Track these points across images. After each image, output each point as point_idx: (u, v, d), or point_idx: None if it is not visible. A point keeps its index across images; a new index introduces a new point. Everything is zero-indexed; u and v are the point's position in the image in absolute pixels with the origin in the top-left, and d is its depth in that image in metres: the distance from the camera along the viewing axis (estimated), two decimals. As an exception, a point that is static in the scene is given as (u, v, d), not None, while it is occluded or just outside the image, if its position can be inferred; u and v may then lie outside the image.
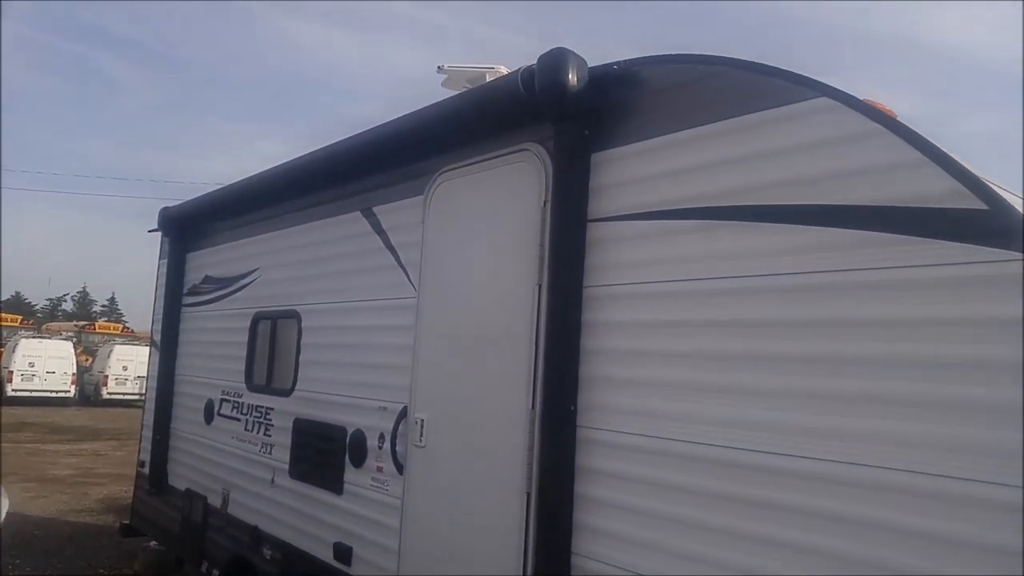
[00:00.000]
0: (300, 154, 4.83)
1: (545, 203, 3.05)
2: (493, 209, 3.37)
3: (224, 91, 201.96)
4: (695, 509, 2.43)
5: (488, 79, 3.74)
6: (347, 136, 4.36)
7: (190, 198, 6.46)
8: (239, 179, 5.61)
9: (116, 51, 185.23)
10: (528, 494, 2.96)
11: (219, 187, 5.97)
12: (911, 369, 1.97)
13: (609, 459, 2.74)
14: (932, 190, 1.97)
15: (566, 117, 2.93)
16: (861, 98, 2.14)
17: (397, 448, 3.75)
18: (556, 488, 2.84)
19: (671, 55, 2.72)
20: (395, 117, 3.96)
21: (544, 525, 2.84)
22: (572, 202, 2.91)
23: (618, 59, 2.89)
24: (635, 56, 2.87)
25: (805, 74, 2.24)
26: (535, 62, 2.98)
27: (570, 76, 2.87)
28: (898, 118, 2.08)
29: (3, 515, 4.16)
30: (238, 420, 5.32)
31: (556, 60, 2.91)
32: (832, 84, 2.18)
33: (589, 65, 2.93)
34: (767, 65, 2.38)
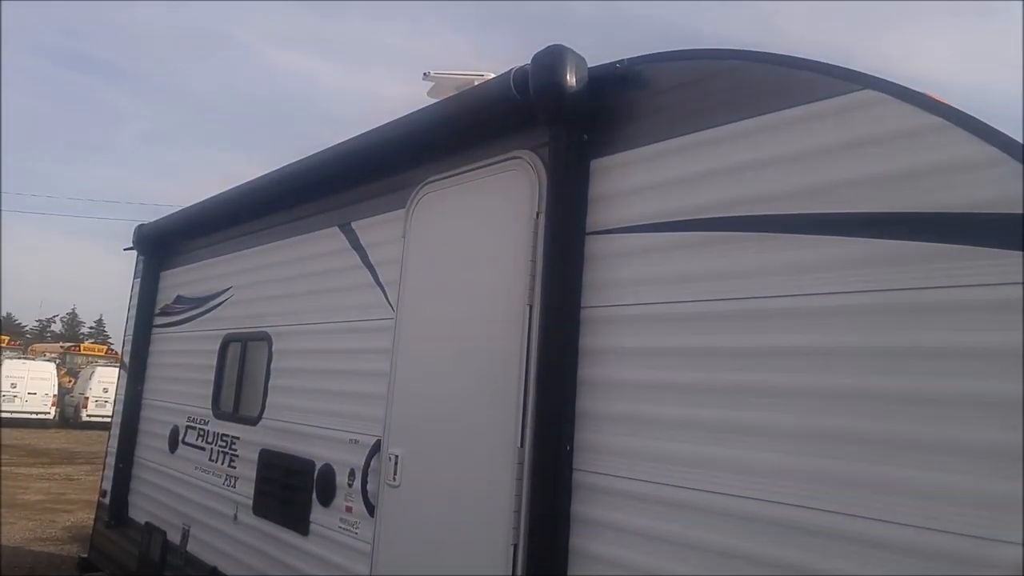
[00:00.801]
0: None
1: (538, 215, 2.73)
2: (480, 222, 3.05)
3: (217, 120, 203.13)
4: (710, 571, 2.08)
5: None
6: (325, 147, 4.06)
7: (165, 215, 6.15)
8: (214, 194, 5.30)
9: (113, 79, 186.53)
10: (515, 546, 2.60)
11: (193, 204, 5.65)
12: (1007, 413, 1.60)
13: (609, 508, 2.39)
14: (1014, 193, 1.64)
15: (563, 121, 2.63)
16: (914, 89, 1.83)
17: (368, 486, 3.39)
18: (547, 540, 2.48)
19: (679, 51, 2.43)
20: (375, 126, 3.67)
21: (531, 583, 2.47)
22: (568, 213, 2.59)
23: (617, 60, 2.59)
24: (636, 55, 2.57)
25: (842, 65, 1.93)
26: (528, 62, 2.69)
27: (568, 76, 2.57)
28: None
29: None
30: (203, 449, 4.94)
31: (552, 59, 2.61)
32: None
33: (588, 64, 2.63)
34: (794, 57, 2.08)
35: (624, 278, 2.46)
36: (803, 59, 2.05)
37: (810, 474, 1.91)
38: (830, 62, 1.98)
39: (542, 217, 2.71)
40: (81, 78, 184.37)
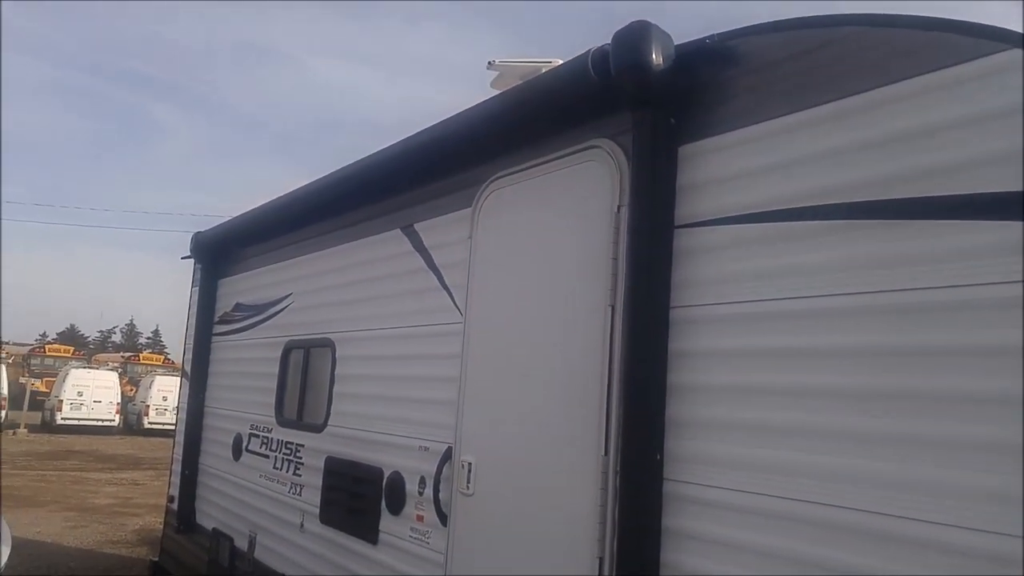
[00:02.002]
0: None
1: (619, 208, 2.55)
2: (554, 219, 2.89)
3: (263, 131, 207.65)
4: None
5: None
6: (385, 146, 3.95)
7: (222, 222, 6.15)
8: (270, 199, 5.25)
9: (161, 96, 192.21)
10: (600, 559, 2.43)
11: (249, 209, 5.62)
12: None
13: (704, 520, 2.21)
14: None
15: (648, 104, 2.44)
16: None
17: (440, 495, 3.26)
18: (637, 554, 2.31)
19: (777, 22, 2.22)
20: (436, 121, 3.53)
21: (623, 601, 2.30)
22: (655, 205, 2.41)
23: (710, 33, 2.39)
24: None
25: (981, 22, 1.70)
26: (608, 41, 2.50)
27: (653, 54, 2.38)
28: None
29: (3, 560, 3.75)
30: (267, 457, 4.89)
31: (636, 36, 2.42)
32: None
33: (675, 41, 2.44)
34: (920, 17, 1.85)
35: (719, 274, 2.26)
36: (932, 18, 1.81)
37: (933, 486, 1.71)
38: (966, 20, 1.75)
39: (624, 211, 2.53)
40: (129, 94, 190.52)
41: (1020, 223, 1.64)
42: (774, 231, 2.13)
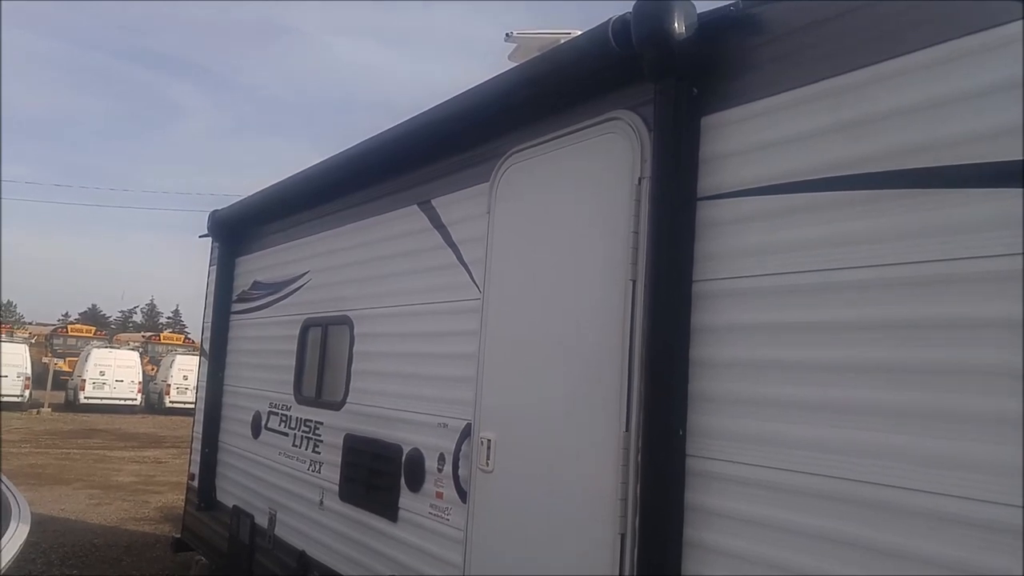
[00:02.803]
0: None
1: (640, 181, 2.51)
2: (573, 192, 2.84)
3: (281, 111, 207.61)
4: (839, 564, 1.88)
5: (563, 45, 3.21)
6: (401, 121, 3.91)
7: (238, 199, 6.14)
8: (287, 176, 5.23)
9: (179, 75, 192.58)
10: (623, 535, 2.41)
11: (267, 186, 5.60)
12: None
13: (728, 497, 2.18)
14: None
15: (671, 74, 2.38)
16: None
17: (460, 472, 3.25)
18: (660, 530, 2.29)
19: (806, -12, 2.14)
20: (453, 95, 3.49)
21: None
22: (677, 177, 2.36)
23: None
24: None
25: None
26: (629, 10, 2.44)
27: (676, 23, 2.32)
28: None
29: (23, 538, 3.74)
30: (286, 435, 4.91)
31: (658, 5, 2.36)
32: None
33: (698, 9, 2.38)
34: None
35: (743, 247, 2.22)
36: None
37: (960, 460, 1.68)
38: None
39: (646, 183, 2.49)
40: (146, 73, 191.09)
41: None
42: (799, 202, 2.08)
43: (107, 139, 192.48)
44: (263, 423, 5.29)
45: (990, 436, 1.64)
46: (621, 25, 2.46)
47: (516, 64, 3.33)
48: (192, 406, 7.01)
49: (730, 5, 2.32)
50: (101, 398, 25.17)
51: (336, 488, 4.18)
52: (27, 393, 24.24)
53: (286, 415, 4.97)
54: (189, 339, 37.24)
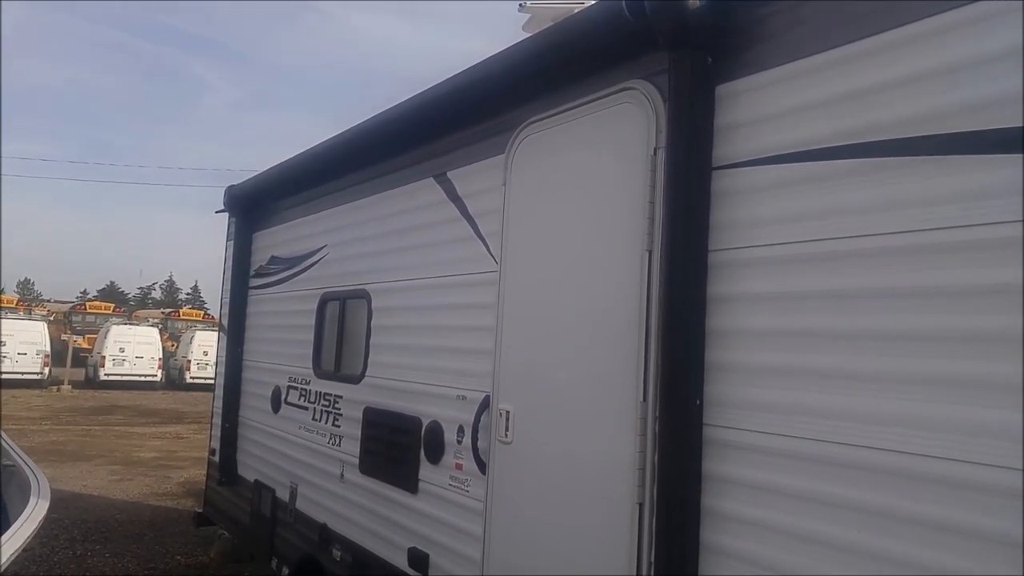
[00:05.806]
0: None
1: (656, 151, 2.50)
2: (589, 163, 2.84)
3: (302, 86, 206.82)
4: (856, 530, 1.89)
5: (577, 15, 3.18)
6: (415, 93, 3.90)
7: (255, 174, 6.16)
8: (303, 150, 5.24)
9: (198, 52, 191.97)
10: (640, 505, 2.44)
11: (283, 161, 5.62)
12: None
13: (745, 466, 2.20)
14: None
15: (685, 43, 2.36)
16: None
17: (479, 443, 3.29)
18: (678, 499, 2.31)
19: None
20: (467, 67, 3.47)
21: (664, 544, 2.31)
22: (692, 146, 2.34)
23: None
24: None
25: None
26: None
27: (690, -9, 2.29)
28: None
29: (42, 514, 3.78)
30: (305, 409, 4.98)
31: (672, -28, 2.33)
32: None
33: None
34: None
35: (759, 216, 2.21)
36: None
37: (977, 427, 1.68)
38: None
39: (661, 153, 2.47)
40: (167, 50, 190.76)
41: None
42: (815, 170, 2.06)
43: (130, 115, 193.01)
44: (283, 397, 5.35)
45: (1009, 402, 1.64)
46: None
47: (530, 34, 3.30)
48: (213, 382, 7.08)
49: None
50: (121, 375, 25.51)
51: (356, 461, 4.24)
52: (47, 370, 24.56)
53: (305, 389, 5.03)
54: (209, 315, 37.53)
